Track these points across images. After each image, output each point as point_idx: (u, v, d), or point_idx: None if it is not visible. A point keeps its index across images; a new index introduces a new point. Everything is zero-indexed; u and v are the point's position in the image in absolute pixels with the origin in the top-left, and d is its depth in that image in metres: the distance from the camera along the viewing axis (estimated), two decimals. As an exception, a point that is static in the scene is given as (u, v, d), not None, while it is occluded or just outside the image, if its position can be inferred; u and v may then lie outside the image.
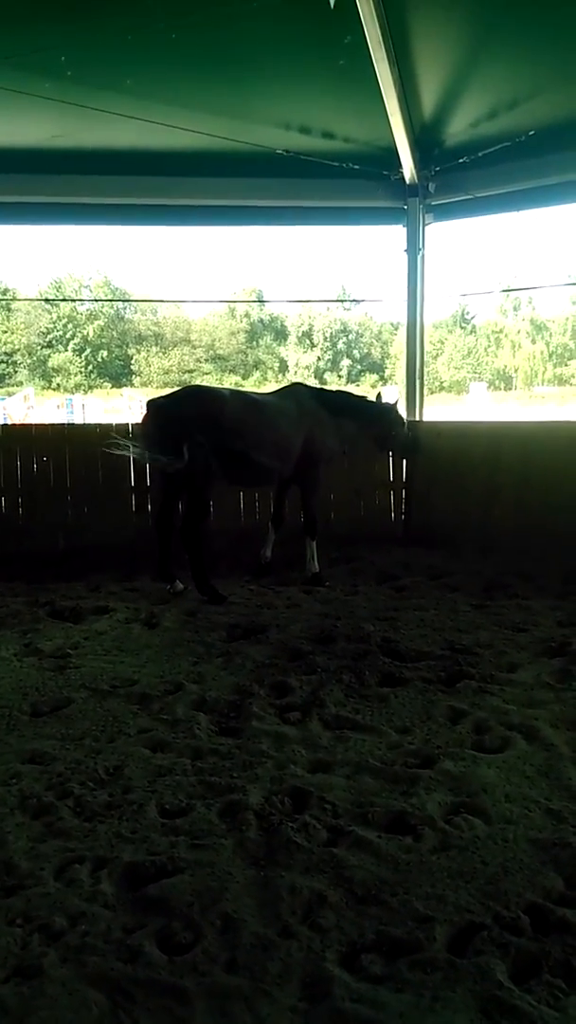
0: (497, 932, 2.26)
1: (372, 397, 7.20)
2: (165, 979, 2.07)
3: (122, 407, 34.97)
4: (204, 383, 8.23)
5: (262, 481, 6.52)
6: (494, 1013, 1.97)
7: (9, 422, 19.23)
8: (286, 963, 2.15)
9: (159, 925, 2.30)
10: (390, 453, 7.65)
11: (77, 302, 63.99)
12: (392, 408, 7.17)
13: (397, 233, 8.35)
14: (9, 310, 61.88)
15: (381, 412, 7.05)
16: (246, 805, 2.92)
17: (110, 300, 63.99)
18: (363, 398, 7.11)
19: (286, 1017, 1.97)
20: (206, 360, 64.27)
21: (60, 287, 63.99)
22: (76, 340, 62.71)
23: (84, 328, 62.68)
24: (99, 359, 63.21)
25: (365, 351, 68.63)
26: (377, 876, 2.52)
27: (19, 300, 60.67)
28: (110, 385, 59.63)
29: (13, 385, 54.48)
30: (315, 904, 2.39)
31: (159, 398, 6.01)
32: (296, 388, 6.69)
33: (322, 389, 6.93)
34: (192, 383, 8.31)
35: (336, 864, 2.58)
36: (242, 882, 2.50)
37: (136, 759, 3.32)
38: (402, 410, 7.48)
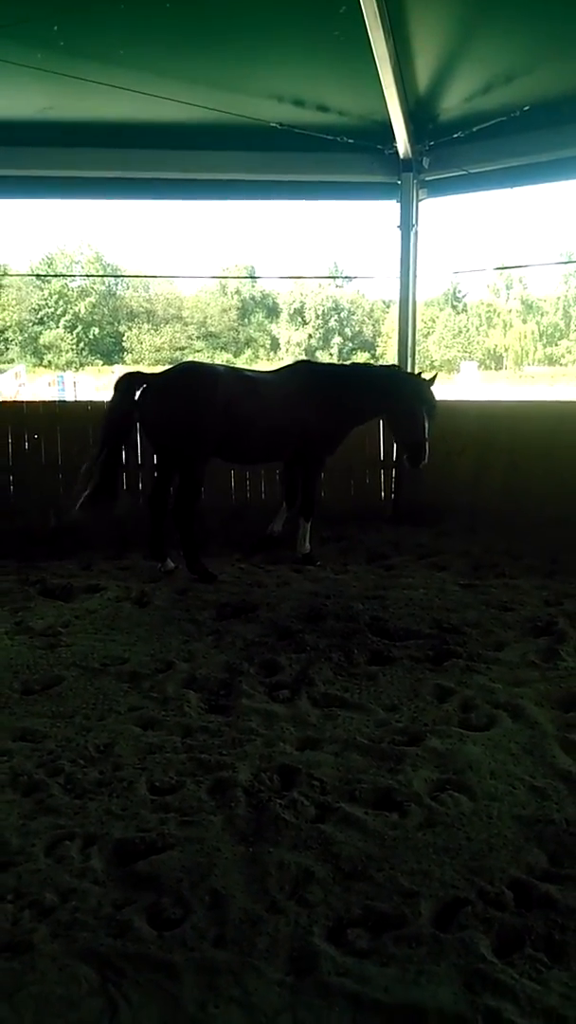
0: (481, 907, 2.30)
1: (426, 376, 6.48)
2: (154, 954, 2.10)
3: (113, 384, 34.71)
4: (194, 360, 8.09)
5: (256, 460, 6.50)
6: (477, 986, 2.01)
7: (0, 399, 19.10)
8: (274, 938, 2.18)
9: (149, 901, 2.33)
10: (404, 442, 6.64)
11: (69, 278, 63.41)
12: (409, 378, 6.50)
13: (390, 209, 8.27)
14: (0, 286, 61.25)
15: (395, 383, 6.36)
16: (235, 782, 2.95)
17: (102, 276, 63.52)
18: (380, 367, 6.68)
19: (273, 991, 2.00)
20: (198, 337, 63.92)
21: (51, 263, 63.38)
22: (68, 317, 62.26)
23: (76, 305, 62.20)
24: (91, 336, 62.80)
25: (357, 329, 68.36)
26: (364, 852, 2.56)
27: (10, 276, 60.07)
28: (101, 362, 59.30)
29: (4, 362, 54.02)
30: (302, 880, 2.43)
31: (141, 373, 5.94)
32: (299, 366, 6.51)
33: (331, 365, 6.78)
34: (184, 360, 8.22)
35: (324, 840, 2.61)
36: (231, 858, 2.53)
37: (126, 737, 3.34)
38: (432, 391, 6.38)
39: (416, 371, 7.03)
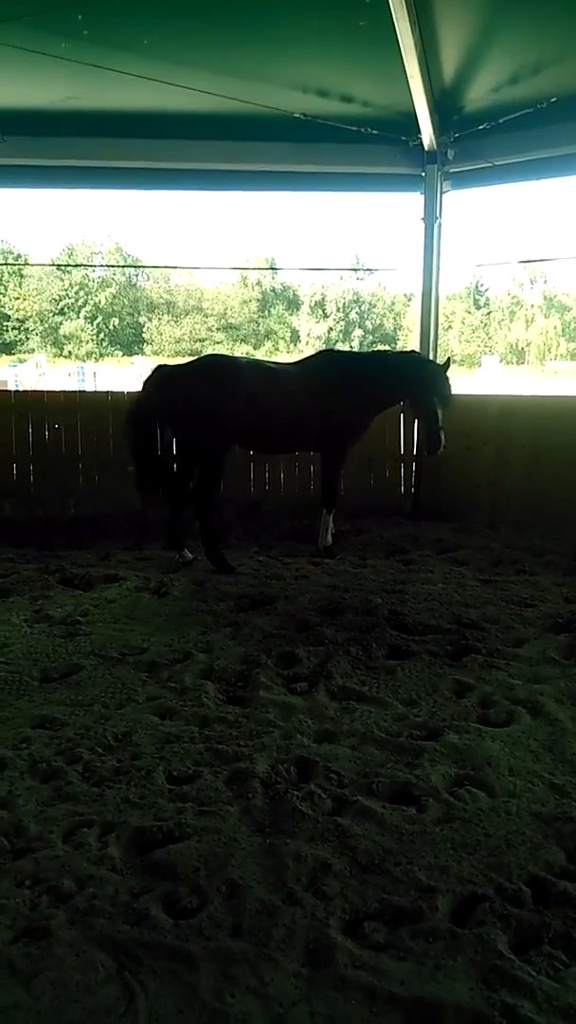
0: (499, 903, 2.29)
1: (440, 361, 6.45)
2: (171, 942, 2.11)
3: (133, 375, 34.84)
4: (216, 352, 8.07)
5: (278, 451, 6.53)
6: (494, 982, 2.00)
7: (21, 389, 19.20)
8: (290, 929, 2.18)
9: (166, 889, 2.33)
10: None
11: (89, 269, 63.59)
12: (420, 360, 6.44)
13: (414, 201, 8.23)
14: (21, 276, 61.57)
15: (408, 366, 6.25)
16: (253, 773, 2.95)
17: (121, 266, 63.59)
18: (399, 353, 6.60)
19: (289, 982, 2.00)
20: (218, 329, 63.92)
21: (72, 253, 63.60)
22: (88, 307, 62.45)
23: (96, 295, 62.39)
24: (111, 327, 62.98)
25: (378, 322, 68.08)
26: (381, 846, 2.55)
27: (31, 266, 60.38)
28: (121, 353, 59.49)
29: (25, 352, 54.38)
30: (319, 872, 2.42)
31: (171, 366, 5.96)
32: (322, 356, 6.47)
33: (355, 354, 6.74)
34: (204, 352, 8.21)
35: (341, 833, 2.61)
36: (248, 849, 2.53)
37: (144, 726, 3.35)
38: (446, 375, 6.29)
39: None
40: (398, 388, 6.29)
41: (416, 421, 6.91)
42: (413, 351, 6.73)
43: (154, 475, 5.84)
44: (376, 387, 6.20)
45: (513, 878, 2.40)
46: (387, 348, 55.08)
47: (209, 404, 5.57)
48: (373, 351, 6.84)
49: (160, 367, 5.92)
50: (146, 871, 2.42)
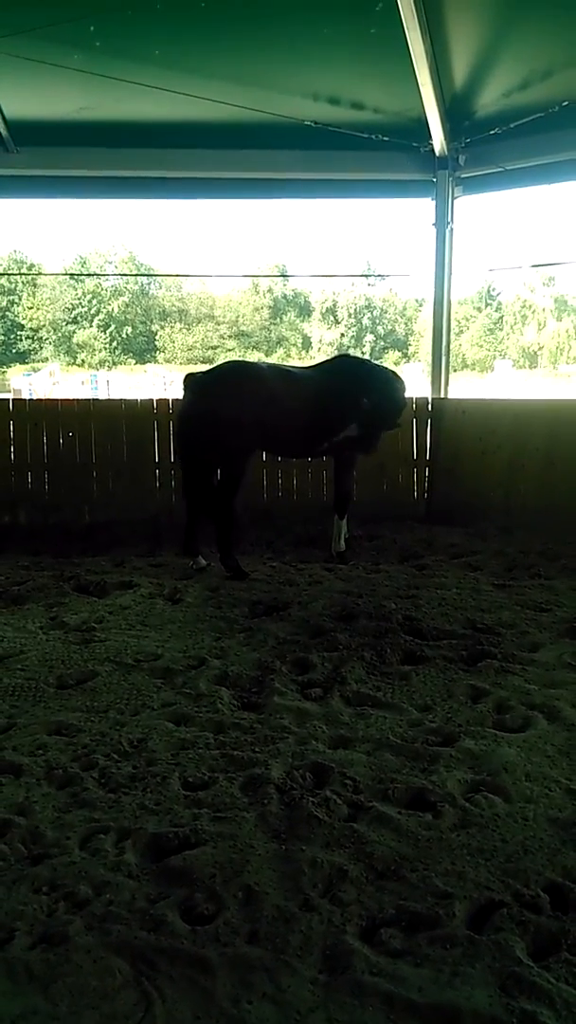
0: (516, 910, 2.27)
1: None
2: (188, 949, 2.11)
3: (146, 383, 35.01)
4: (229, 359, 8.09)
5: (297, 455, 6.68)
6: (513, 989, 1.98)
7: (36, 397, 19.33)
8: (307, 935, 2.17)
9: (182, 896, 2.33)
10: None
11: (102, 278, 63.97)
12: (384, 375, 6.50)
13: (425, 207, 8.23)
14: (35, 286, 62.06)
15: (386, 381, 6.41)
16: (268, 779, 2.94)
17: (134, 275, 63.91)
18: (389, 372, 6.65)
19: (307, 988, 2.00)
20: (230, 336, 64.11)
21: (85, 263, 63.99)
22: (101, 316, 62.79)
23: (109, 304, 62.73)
24: (123, 335, 63.28)
25: (389, 328, 68.06)
26: (397, 852, 2.54)
27: (44, 275, 60.78)
28: (134, 361, 59.75)
29: (39, 361, 54.75)
30: (336, 878, 2.42)
31: (199, 373, 6.00)
32: (340, 362, 6.53)
33: (370, 364, 6.74)
34: (217, 360, 8.24)
35: (357, 839, 2.60)
36: (264, 855, 2.52)
37: (160, 732, 3.36)
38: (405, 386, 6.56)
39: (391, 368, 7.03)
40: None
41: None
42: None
43: (200, 482, 5.92)
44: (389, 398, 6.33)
45: (531, 884, 2.39)
46: (399, 360, 55.04)
47: (231, 410, 5.60)
48: (385, 367, 6.81)
49: (189, 375, 5.97)
50: (162, 877, 2.42)
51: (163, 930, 2.18)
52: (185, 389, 5.87)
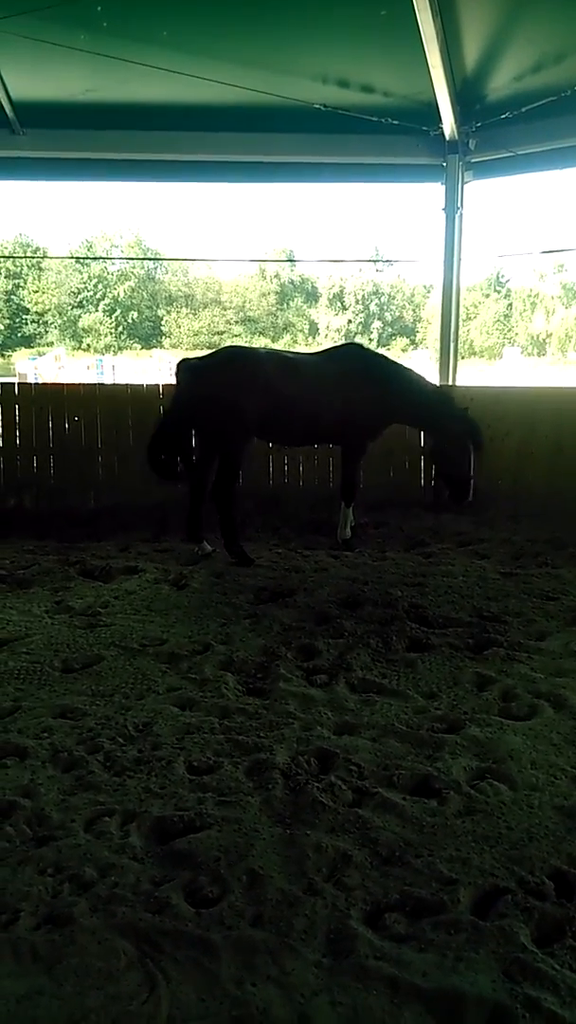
0: (521, 896, 2.27)
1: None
2: (192, 931, 2.12)
3: (152, 368, 34.95)
4: (234, 344, 8.03)
5: (297, 442, 6.54)
6: (517, 975, 1.99)
7: (41, 382, 19.30)
8: (311, 919, 2.18)
9: (187, 879, 2.34)
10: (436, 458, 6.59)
11: (108, 261, 63.70)
12: (454, 407, 6.27)
13: (434, 191, 8.17)
14: (40, 269, 61.81)
15: (439, 401, 6.28)
16: (273, 764, 2.95)
17: (140, 259, 63.57)
18: (419, 377, 6.47)
19: (311, 972, 2.00)
20: (236, 322, 63.83)
21: (91, 247, 63.69)
22: (107, 301, 62.52)
23: (115, 288, 62.45)
24: (129, 320, 63.03)
25: (397, 314, 67.65)
26: (402, 838, 2.54)
27: (50, 259, 60.59)
28: (140, 346, 59.56)
29: (44, 345, 54.64)
30: (340, 863, 2.42)
31: (193, 359, 5.96)
32: (345, 350, 6.48)
33: (378, 355, 6.67)
34: (222, 345, 8.15)
35: (361, 824, 2.60)
36: (268, 839, 2.53)
37: (165, 716, 3.37)
38: (471, 427, 6.18)
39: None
40: (421, 418, 6.35)
41: (442, 466, 6.50)
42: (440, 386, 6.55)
43: (168, 458, 5.80)
44: (399, 405, 6.19)
45: (535, 871, 2.39)
46: (407, 346, 54.72)
47: (229, 396, 5.57)
48: (400, 364, 6.61)
49: (183, 360, 5.93)
50: (167, 860, 2.43)
51: (168, 912, 2.18)
52: (179, 374, 5.82)
